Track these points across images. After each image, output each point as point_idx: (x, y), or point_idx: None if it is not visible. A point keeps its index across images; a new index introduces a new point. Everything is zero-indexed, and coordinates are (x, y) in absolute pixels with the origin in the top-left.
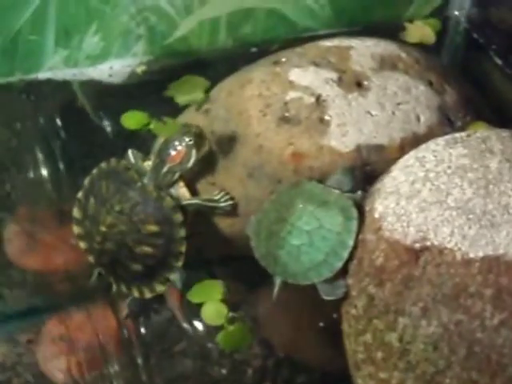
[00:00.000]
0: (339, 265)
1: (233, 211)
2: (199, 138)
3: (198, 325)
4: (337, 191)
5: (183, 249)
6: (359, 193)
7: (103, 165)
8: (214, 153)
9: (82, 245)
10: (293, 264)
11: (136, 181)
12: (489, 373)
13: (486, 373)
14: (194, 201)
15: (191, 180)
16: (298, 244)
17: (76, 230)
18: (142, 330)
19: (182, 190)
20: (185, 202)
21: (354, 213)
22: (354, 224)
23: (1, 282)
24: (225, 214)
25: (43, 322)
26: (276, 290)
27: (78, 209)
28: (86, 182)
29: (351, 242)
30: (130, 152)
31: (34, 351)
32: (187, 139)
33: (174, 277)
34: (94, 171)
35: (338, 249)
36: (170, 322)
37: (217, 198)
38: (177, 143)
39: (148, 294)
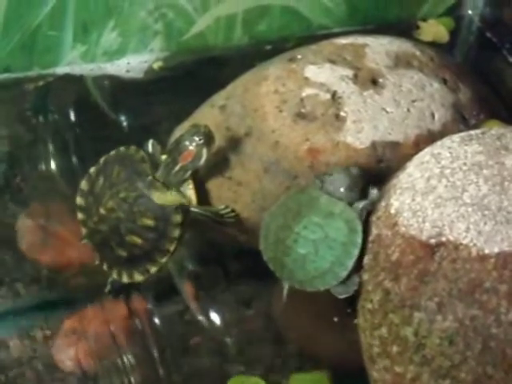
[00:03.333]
0: (344, 274)
1: (234, 225)
2: (208, 136)
3: (215, 318)
4: (342, 202)
5: (172, 248)
6: (361, 204)
7: (122, 149)
8: (227, 149)
9: (80, 216)
10: (299, 271)
11: (147, 174)
12: (504, 367)
13: (501, 367)
14: (199, 210)
15: (207, 175)
16: (304, 253)
17: (78, 200)
18: (156, 322)
19: (190, 192)
20: (191, 208)
21: (359, 225)
22: (359, 236)
23: (15, 277)
24: (225, 226)
25: (58, 316)
26: (285, 293)
27: (87, 182)
28: (102, 160)
29: (356, 252)
30: (150, 143)
31: (48, 345)
32: (197, 139)
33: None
34: (112, 153)
35: (343, 258)
36: (184, 314)
37: (222, 212)
38: (187, 143)
39: (125, 279)
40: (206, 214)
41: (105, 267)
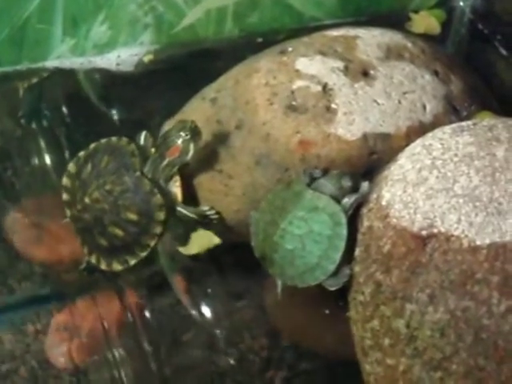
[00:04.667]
0: (332, 267)
1: (215, 225)
2: (195, 132)
3: (205, 311)
4: (326, 196)
5: (152, 243)
6: (352, 198)
7: (113, 139)
8: (218, 142)
9: (65, 196)
10: (288, 267)
11: (135, 169)
12: (496, 359)
13: (493, 359)
14: (183, 210)
15: (198, 168)
16: (292, 248)
17: (64, 181)
18: (148, 316)
19: (176, 190)
20: (176, 207)
21: (343, 218)
22: (344, 228)
23: (8, 273)
24: (206, 227)
25: (50, 311)
26: (279, 290)
27: (75, 165)
28: (92, 147)
29: (342, 245)
30: (143, 134)
31: (40, 340)
32: (183, 134)
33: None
34: (103, 141)
35: (330, 252)
36: (175, 307)
37: (206, 213)
38: (174, 139)
39: (103, 267)
40: (189, 214)
41: (85, 250)
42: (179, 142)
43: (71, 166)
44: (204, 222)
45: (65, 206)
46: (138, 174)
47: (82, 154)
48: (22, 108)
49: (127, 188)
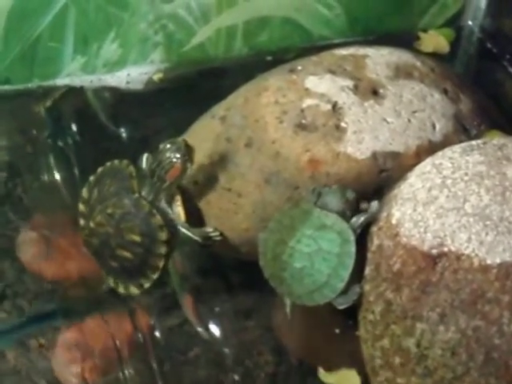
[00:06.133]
0: (341, 285)
1: (215, 247)
2: (190, 150)
3: (214, 330)
4: (334, 214)
5: (160, 264)
6: (361, 217)
7: (116, 162)
8: (227, 160)
9: (81, 222)
10: (297, 286)
11: (134, 191)
12: (507, 379)
13: (504, 379)
14: (186, 231)
15: (207, 187)
16: (300, 267)
17: (80, 207)
18: (157, 335)
19: (177, 209)
20: (178, 228)
21: (351, 235)
22: (353, 245)
23: (16, 290)
24: (206, 248)
25: (58, 328)
26: (288, 309)
27: (87, 191)
28: (99, 171)
29: (351, 262)
30: (144, 157)
31: (48, 357)
32: (180, 154)
33: None
34: (108, 164)
35: (339, 270)
36: (185, 327)
37: (209, 235)
38: (172, 160)
39: (121, 290)
40: (192, 236)
41: (104, 273)
42: (177, 162)
43: (84, 192)
44: (204, 244)
45: (81, 230)
46: (136, 196)
47: (91, 178)
48: (47, 128)
49: (128, 210)
